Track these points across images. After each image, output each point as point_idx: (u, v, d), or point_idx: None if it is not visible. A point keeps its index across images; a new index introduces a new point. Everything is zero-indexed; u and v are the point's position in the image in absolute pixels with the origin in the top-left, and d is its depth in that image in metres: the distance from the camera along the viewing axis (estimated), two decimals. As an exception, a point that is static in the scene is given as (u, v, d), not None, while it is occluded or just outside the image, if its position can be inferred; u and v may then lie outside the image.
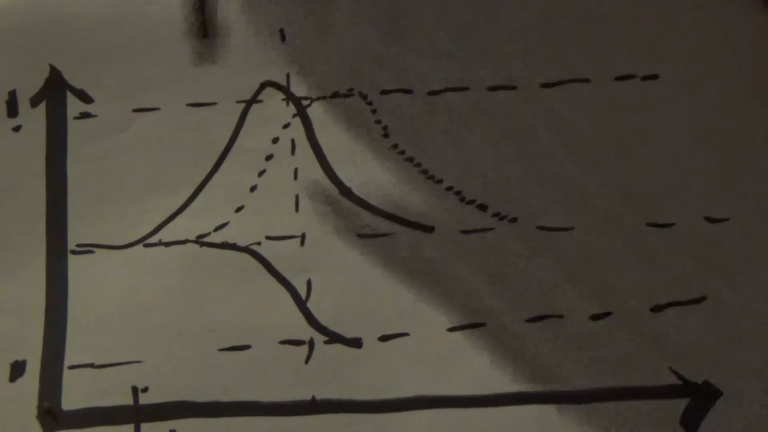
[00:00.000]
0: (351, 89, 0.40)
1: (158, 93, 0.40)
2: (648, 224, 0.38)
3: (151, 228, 0.39)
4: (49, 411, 0.37)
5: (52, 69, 0.40)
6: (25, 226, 0.39)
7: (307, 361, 0.37)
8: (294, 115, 0.40)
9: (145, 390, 0.37)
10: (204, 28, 0.39)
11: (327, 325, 0.38)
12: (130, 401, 0.37)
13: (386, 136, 0.40)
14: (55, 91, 0.40)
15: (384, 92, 0.40)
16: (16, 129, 0.40)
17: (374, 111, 0.40)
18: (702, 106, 0.39)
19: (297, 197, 0.39)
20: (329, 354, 0.37)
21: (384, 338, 0.37)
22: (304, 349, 0.37)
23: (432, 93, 0.40)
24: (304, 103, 0.40)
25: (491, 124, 0.40)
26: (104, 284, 0.38)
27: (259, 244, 0.38)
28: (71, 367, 0.37)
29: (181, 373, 0.37)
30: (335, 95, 0.40)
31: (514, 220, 0.39)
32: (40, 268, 0.38)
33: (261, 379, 0.37)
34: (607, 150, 0.39)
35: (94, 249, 0.39)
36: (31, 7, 0.41)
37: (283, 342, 0.37)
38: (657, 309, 0.37)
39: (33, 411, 0.37)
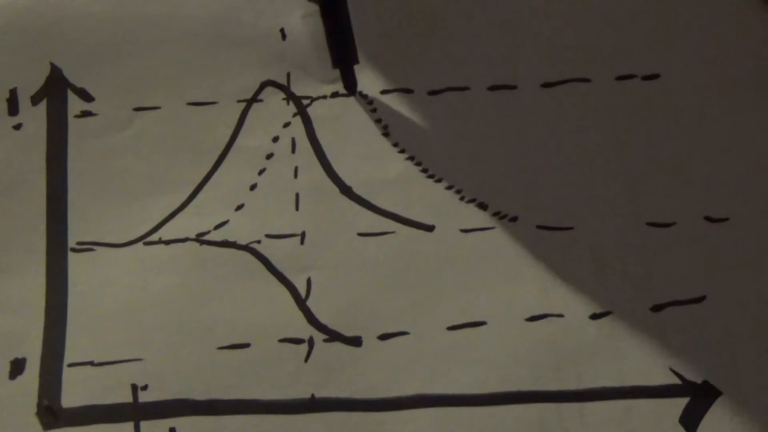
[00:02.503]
0: (351, 88, 0.40)
1: (159, 92, 0.40)
2: (648, 224, 0.38)
3: (151, 226, 0.39)
4: (49, 408, 0.37)
5: (53, 67, 0.41)
6: (26, 223, 0.39)
7: (306, 359, 0.37)
8: (294, 114, 0.40)
9: (145, 388, 0.37)
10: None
11: (326, 323, 0.38)
12: (129, 399, 0.37)
13: (386, 135, 0.40)
14: (55, 89, 0.40)
15: (384, 92, 0.40)
16: (17, 127, 0.40)
17: (374, 110, 0.40)
18: (702, 105, 0.39)
19: (297, 196, 0.39)
20: (329, 352, 0.37)
21: (384, 337, 0.37)
22: (304, 347, 0.37)
23: (432, 92, 0.40)
24: (305, 102, 0.40)
25: (492, 123, 0.40)
26: (104, 282, 0.38)
27: (259, 242, 0.38)
28: (71, 365, 0.37)
29: (181, 371, 0.37)
30: (335, 94, 0.40)
31: (514, 219, 0.39)
32: (40, 265, 0.38)
33: (260, 377, 0.37)
34: (608, 149, 0.39)
35: (94, 247, 0.39)
36: (32, 5, 0.41)
37: (282, 340, 0.37)
38: (657, 308, 0.37)
39: (33, 408, 0.37)
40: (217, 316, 0.38)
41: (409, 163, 0.39)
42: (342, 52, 0.40)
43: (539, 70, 0.40)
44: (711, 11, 0.40)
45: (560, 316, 0.37)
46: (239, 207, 0.39)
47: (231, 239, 0.38)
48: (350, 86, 0.40)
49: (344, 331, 0.37)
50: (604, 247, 0.38)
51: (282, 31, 0.41)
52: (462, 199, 0.39)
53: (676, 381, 0.36)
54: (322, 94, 0.40)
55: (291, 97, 0.40)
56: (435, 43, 0.41)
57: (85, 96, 0.40)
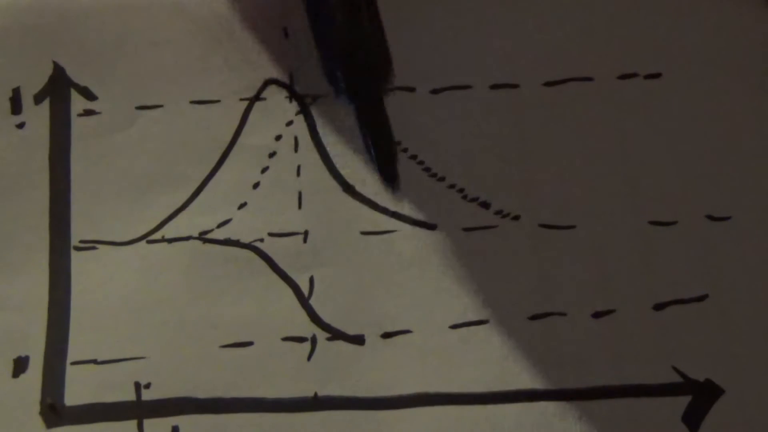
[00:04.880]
0: (353, 87, 0.40)
1: (161, 90, 0.40)
2: (650, 222, 0.38)
3: (154, 224, 0.39)
4: (52, 407, 0.37)
5: (56, 66, 0.41)
6: (29, 222, 0.39)
7: (309, 358, 0.37)
8: (297, 113, 0.40)
9: (148, 386, 0.37)
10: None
11: (329, 322, 0.38)
12: (132, 397, 0.37)
13: (388, 134, 0.40)
14: (58, 88, 0.40)
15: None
16: (20, 126, 0.40)
17: (377, 108, 0.40)
18: (704, 104, 0.39)
19: (300, 194, 0.39)
20: (331, 351, 0.37)
21: (386, 335, 0.37)
22: (307, 346, 0.37)
23: (435, 91, 0.40)
24: (307, 100, 0.40)
25: (494, 122, 0.40)
26: (107, 280, 0.38)
27: (261, 240, 0.38)
28: (74, 363, 0.37)
29: (184, 369, 0.37)
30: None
31: (516, 218, 0.39)
32: (43, 264, 0.38)
33: (263, 375, 0.37)
34: (610, 148, 0.39)
35: (97, 245, 0.39)
36: (35, 4, 0.41)
37: (285, 339, 0.37)
38: (659, 307, 0.37)
39: (36, 407, 0.37)
40: (219, 314, 0.38)
41: (412, 162, 0.39)
42: (392, 167, 0.39)
43: (541, 68, 0.40)
44: (713, 10, 0.40)
45: (562, 314, 0.37)
46: (242, 205, 0.39)
47: (234, 238, 0.39)
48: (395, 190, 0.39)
49: (347, 330, 0.37)
50: (607, 245, 0.38)
51: (285, 29, 0.41)
52: (464, 197, 0.39)
53: (679, 379, 0.36)
54: (324, 93, 0.40)
55: (294, 95, 0.40)
56: (437, 42, 0.41)
57: (88, 95, 0.40)
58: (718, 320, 0.37)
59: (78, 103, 0.40)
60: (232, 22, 0.41)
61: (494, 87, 0.40)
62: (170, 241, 0.39)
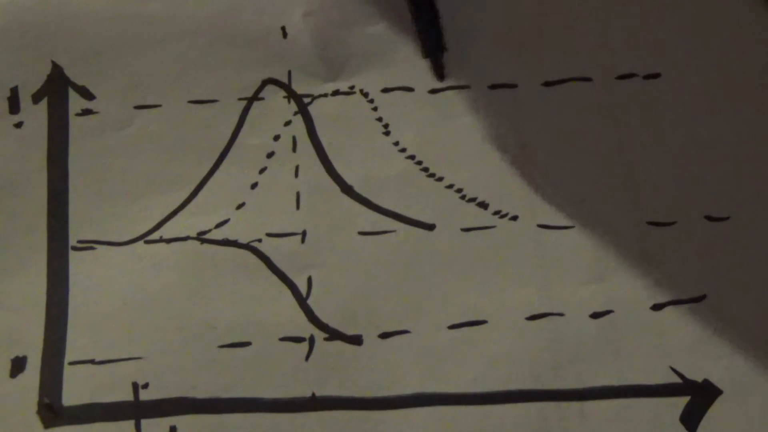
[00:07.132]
0: (352, 87, 0.40)
1: (160, 90, 0.40)
2: (648, 223, 0.38)
3: (152, 225, 0.39)
4: (50, 406, 0.37)
5: (54, 65, 0.41)
6: (27, 222, 0.39)
7: (307, 358, 0.37)
8: (295, 113, 0.40)
9: (146, 386, 0.37)
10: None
11: (327, 322, 0.38)
12: (130, 397, 0.37)
13: (387, 134, 0.40)
14: (56, 87, 0.40)
15: (385, 90, 0.40)
16: (18, 125, 0.40)
17: (375, 108, 0.40)
18: (703, 104, 0.39)
19: (298, 194, 0.39)
20: (329, 351, 0.37)
21: (384, 335, 0.37)
22: (305, 346, 0.37)
23: (433, 91, 0.40)
24: (306, 100, 0.40)
25: (492, 122, 0.40)
26: (105, 280, 0.38)
27: (260, 241, 0.38)
28: (72, 363, 0.37)
29: (181, 369, 0.37)
30: (336, 93, 0.40)
31: (514, 218, 0.39)
32: (41, 264, 0.38)
33: (261, 375, 0.37)
34: (608, 148, 0.39)
35: (95, 245, 0.39)
36: (34, 4, 0.41)
37: (283, 339, 0.37)
38: (657, 307, 0.37)
39: (33, 406, 0.37)
40: (217, 314, 0.38)
41: (410, 162, 0.39)
42: (432, 42, 0.40)
43: (540, 68, 0.40)
44: (712, 11, 0.40)
45: (561, 314, 0.37)
46: (240, 205, 0.39)
47: (232, 238, 0.39)
48: (440, 74, 0.40)
49: (345, 330, 0.37)
50: (605, 246, 0.38)
51: (283, 29, 0.41)
52: (462, 197, 0.39)
53: (677, 380, 0.36)
54: (323, 93, 0.40)
55: (292, 95, 0.40)
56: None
57: (86, 94, 0.40)
58: (716, 321, 0.37)
59: (76, 102, 0.40)
60: (231, 22, 0.41)
61: (493, 87, 0.40)
62: (168, 241, 0.39)
